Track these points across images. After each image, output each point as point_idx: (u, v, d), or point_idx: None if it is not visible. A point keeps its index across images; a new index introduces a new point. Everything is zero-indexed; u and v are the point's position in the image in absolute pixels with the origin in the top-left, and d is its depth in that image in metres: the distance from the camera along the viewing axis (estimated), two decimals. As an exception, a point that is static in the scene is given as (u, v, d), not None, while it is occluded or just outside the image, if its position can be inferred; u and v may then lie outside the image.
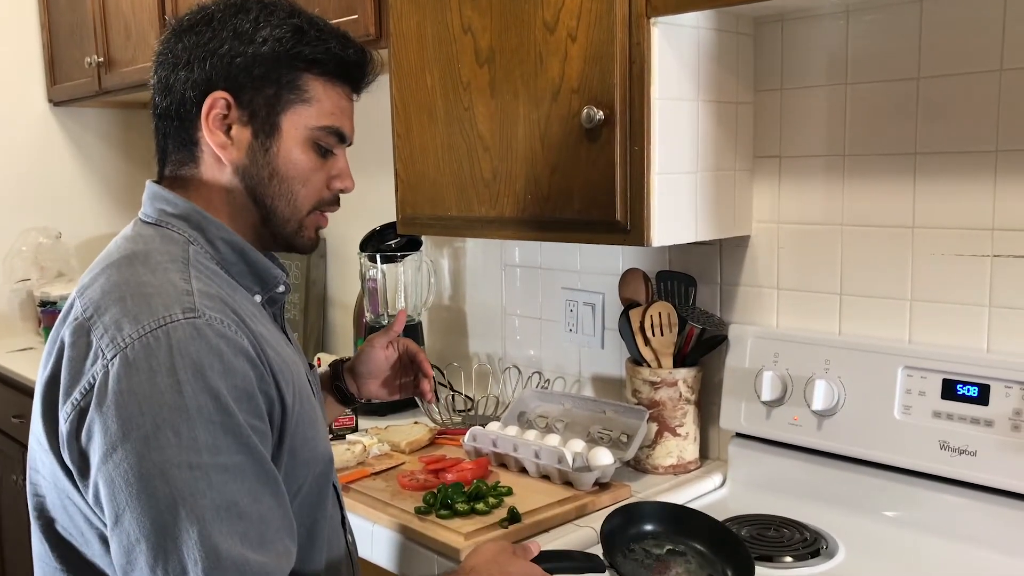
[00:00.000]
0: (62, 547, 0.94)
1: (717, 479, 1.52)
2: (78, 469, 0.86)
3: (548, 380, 1.85)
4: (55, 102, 2.95)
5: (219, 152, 0.98)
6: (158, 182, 1.03)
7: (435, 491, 1.37)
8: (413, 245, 2.03)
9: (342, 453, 1.53)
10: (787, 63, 1.44)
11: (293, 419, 0.94)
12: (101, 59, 2.61)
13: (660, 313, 1.51)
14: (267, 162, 0.99)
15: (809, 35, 1.41)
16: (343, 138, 1.05)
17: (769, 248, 1.50)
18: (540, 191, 1.42)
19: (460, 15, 1.50)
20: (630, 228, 1.33)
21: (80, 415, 0.84)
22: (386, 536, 1.35)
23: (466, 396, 1.93)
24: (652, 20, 1.27)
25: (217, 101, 0.97)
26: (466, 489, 1.37)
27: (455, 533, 1.26)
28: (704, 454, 1.60)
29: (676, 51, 1.32)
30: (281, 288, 1.05)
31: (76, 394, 0.85)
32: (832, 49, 1.39)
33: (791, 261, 1.48)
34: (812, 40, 1.41)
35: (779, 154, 1.47)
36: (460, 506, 1.33)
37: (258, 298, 1.02)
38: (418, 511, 1.34)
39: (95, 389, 0.83)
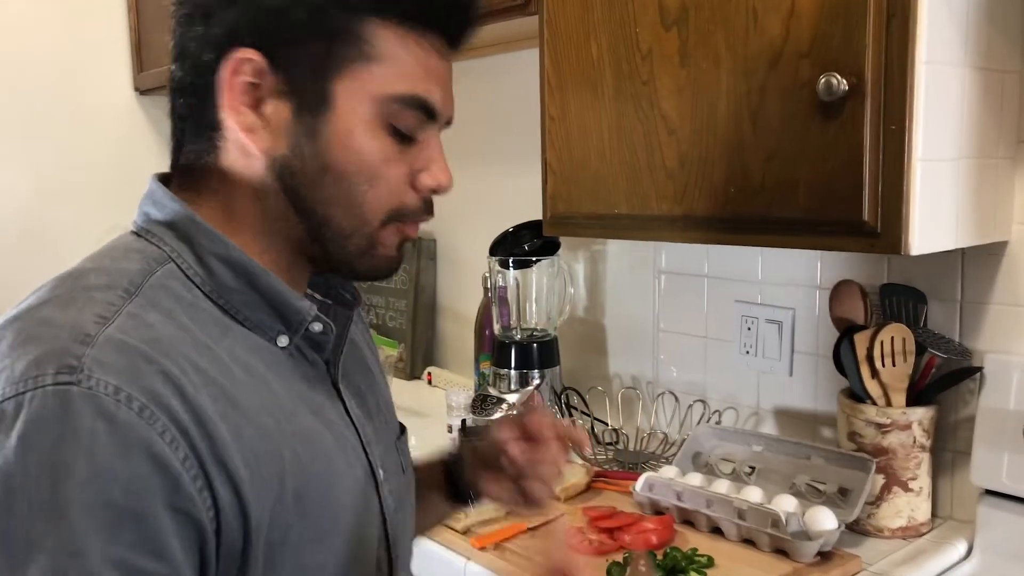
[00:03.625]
0: None
1: (961, 547, 1.21)
2: None
3: (717, 412, 1.56)
4: (141, 90, 2.76)
5: (246, 138, 0.68)
6: (166, 176, 0.73)
7: (620, 561, 1.09)
8: (547, 248, 1.75)
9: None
10: (1072, 20, 1.13)
11: (276, 538, 0.62)
12: (192, 42, 2.39)
13: (893, 338, 1.20)
14: (316, 152, 0.68)
15: (1107, -18, 1.09)
16: (432, 113, 0.71)
17: (1036, 257, 1.19)
18: (750, 183, 1.13)
19: (641, -34, 1.21)
20: (881, 231, 1.03)
21: None
22: (559, 617, 1.07)
23: (612, 428, 1.65)
24: (921, -41, 0.97)
25: (242, 64, 0.66)
26: (659, 560, 1.09)
27: (659, 624, 0.98)
28: (933, 512, 1.29)
29: (946, 1, 1.01)
30: (318, 327, 0.72)
31: None
32: None
33: (1070, 274, 1.16)
34: (1112, -12, 1.09)
35: (1057, 138, 1.15)
36: (657, 584, 1.05)
37: (284, 341, 0.70)
38: (602, 587, 1.07)
39: None
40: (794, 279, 1.45)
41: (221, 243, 0.68)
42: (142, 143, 2.81)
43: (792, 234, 1.11)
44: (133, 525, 0.55)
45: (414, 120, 0.70)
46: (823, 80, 1.03)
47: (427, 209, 0.74)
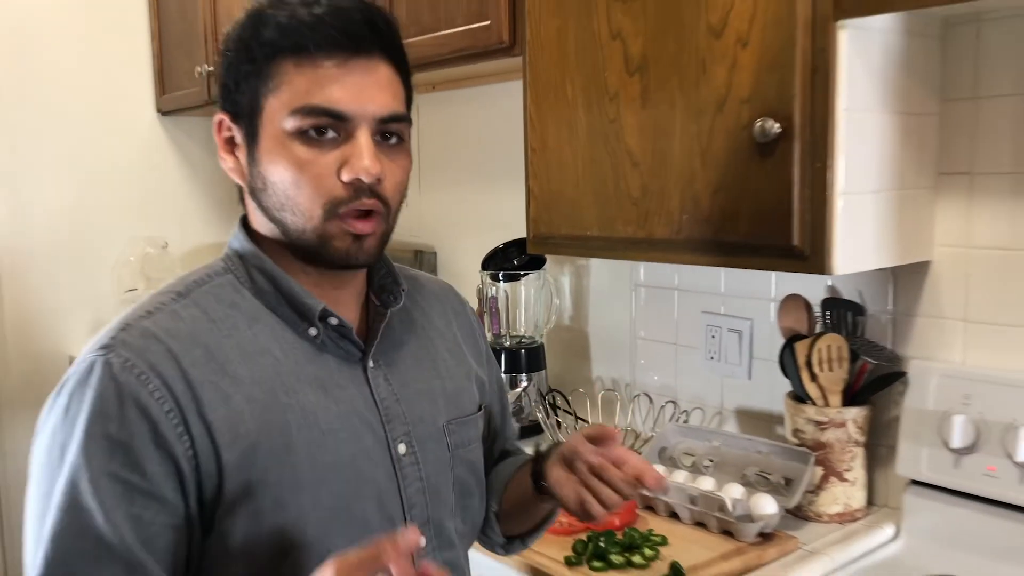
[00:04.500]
0: None
1: (889, 531, 1.37)
2: None
3: (685, 412, 1.72)
4: (163, 111, 2.94)
5: (232, 177, 0.92)
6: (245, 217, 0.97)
7: (584, 539, 1.26)
8: (535, 263, 1.93)
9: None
10: (982, 69, 1.29)
11: (239, 477, 0.82)
12: (211, 68, 2.57)
13: (830, 346, 1.37)
14: (258, 172, 0.87)
15: (1011, 37, 1.25)
16: (334, 114, 0.84)
17: (954, 275, 1.35)
18: (699, 211, 1.30)
19: (608, 20, 1.38)
20: (809, 254, 1.19)
21: None
22: (531, 587, 1.24)
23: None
24: (839, 23, 1.14)
25: (219, 124, 0.91)
26: (618, 538, 1.25)
27: (614, 590, 1.15)
28: (869, 500, 1.45)
29: (863, 57, 1.18)
30: (334, 321, 0.90)
31: None
32: (1039, 53, 1.23)
33: (983, 290, 1.32)
34: (1015, 42, 1.25)
35: (969, 171, 1.31)
36: (615, 557, 1.21)
37: (313, 332, 0.89)
38: (568, 561, 1.23)
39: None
40: (752, 293, 1.62)
41: (259, 258, 0.91)
42: (163, 160, 3.00)
43: (735, 255, 1.28)
44: (123, 451, 0.79)
45: (322, 122, 0.83)
46: (759, 124, 1.19)
47: (358, 195, 0.85)
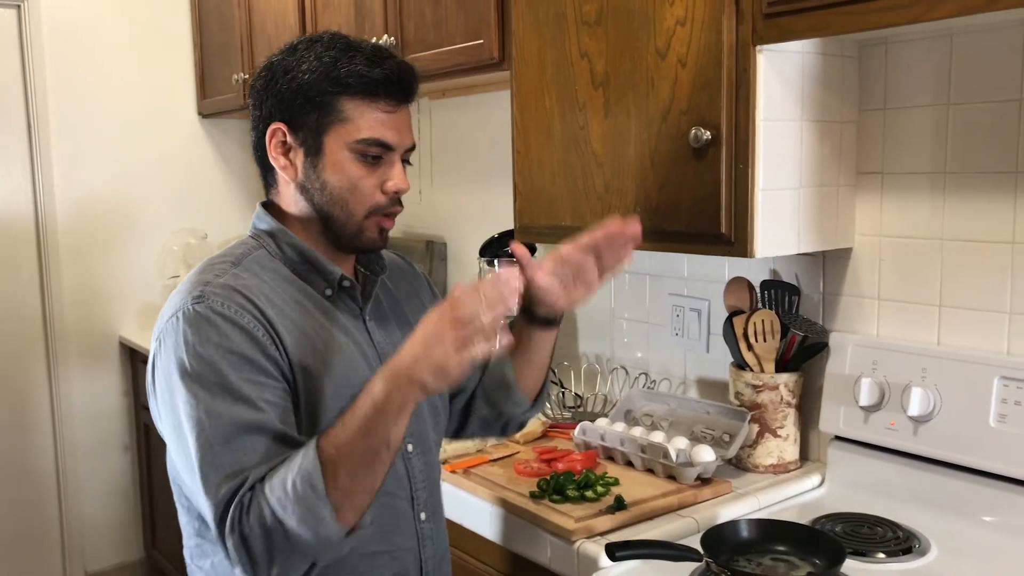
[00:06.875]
0: (186, 503, 1.16)
1: (815, 479, 1.60)
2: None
3: (654, 381, 1.96)
4: (204, 114, 3.24)
5: (282, 173, 1.17)
6: (265, 203, 1.23)
7: (548, 478, 1.50)
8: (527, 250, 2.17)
9: (463, 441, 1.68)
10: (891, 84, 1.51)
11: (303, 386, 1.09)
12: (247, 76, 2.85)
13: (763, 320, 1.60)
14: (317, 176, 1.14)
15: (913, 57, 1.47)
16: (386, 146, 1.14)
17: (871, 260, 1.57)
18: (649, 204, 1.53)
19: (578, 42, 1.62)
20: (735, 240, 1.42)
21: (150, 384, 1.13)
22: (502, 516, 1.49)
23: (576, 394, 2.06)
24: (758, 48, 1.37)
25: (275, 132, 1.15)
26: (576, 478, 1.50)
27: (566, 516, 1.39)
28: (804, 455, 1.68)
29: (781, 75, 1.41)
30: (346, 283, 1.18)
31: (148, 368, 1.13)
32: (936, 70, 1.45)
33: (892, 273, 1.54)
34: (916, 62, 1.47)
35: (882, 170, 1.54)
36: (571, 492, 1.46)
37: (328, 292, 1.17)
38: (532, 495, 1.48)
39: (151, 363, 1.11)
40: (709, 276, 1.85)
41: (288, 236, 1.18)
42: (203, 158, 3.30)
43: (677, 242, 1.51)
44: (248, 362, 1.05)
45: (376, 151, 1.14)
46: (693, 131, 1.43)
47: (394, 203, 1.17)
